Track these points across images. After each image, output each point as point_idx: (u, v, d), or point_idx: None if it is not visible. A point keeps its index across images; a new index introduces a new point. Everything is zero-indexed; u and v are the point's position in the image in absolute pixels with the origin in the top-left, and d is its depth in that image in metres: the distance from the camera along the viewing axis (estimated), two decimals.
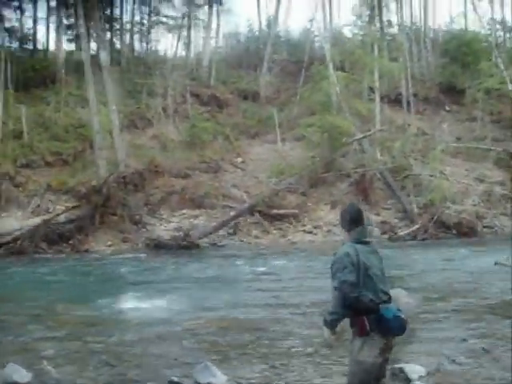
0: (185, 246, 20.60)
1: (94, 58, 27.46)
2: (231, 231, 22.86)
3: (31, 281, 14.46)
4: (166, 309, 10.28)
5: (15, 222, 21.11)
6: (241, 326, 8.80)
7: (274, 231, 23.25)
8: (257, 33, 39.35)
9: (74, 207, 21.96)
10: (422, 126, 30.80)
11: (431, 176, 24.35)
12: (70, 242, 20.97)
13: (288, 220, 23.71)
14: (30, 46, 35.03)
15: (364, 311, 4.22)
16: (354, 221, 4.53)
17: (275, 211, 23.67)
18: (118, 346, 7.52)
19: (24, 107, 26.53)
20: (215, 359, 6.70)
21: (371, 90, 29.43)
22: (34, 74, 29.81)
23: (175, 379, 5.84)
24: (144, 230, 22.57)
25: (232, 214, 23.21)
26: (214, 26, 36.94)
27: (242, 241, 22.49)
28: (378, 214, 23.94)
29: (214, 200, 24.42)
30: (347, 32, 33.20)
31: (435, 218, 22.12)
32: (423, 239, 21.48)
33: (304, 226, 23.53)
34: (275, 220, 23.65)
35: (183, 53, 37.09)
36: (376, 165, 25.34)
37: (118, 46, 36.69)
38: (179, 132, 29.15)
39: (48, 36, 35.87)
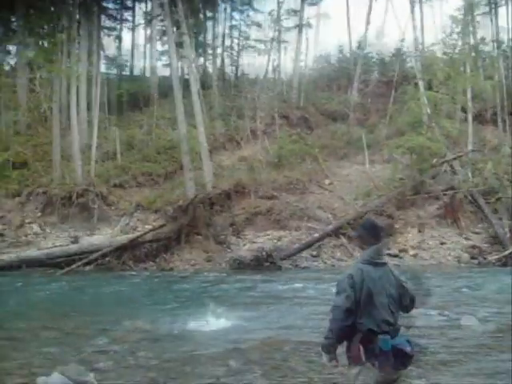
0: (267, 267, 20.61)
1: (187, 83, 28.39)
2: (315, 253, 22.61)
3: (111, 296, 14.96)
4: (231, 327, 10.32)
5: (104, 239, 21.97)
6: (302, 348, 8.67)
7: (359, 254, 22.76)
8: (347, 54, 39.20)
9: (160, 226, 22.51)
10: None
11: None
12: (156, 260, 21.58)
13: None
14: (127, 72, 36.73)
15: (360, 339, 3.97)
16: (368, 238, 4.23)
17: None
18: (170, 363, 7.61)
19: (118, 130, 27.76)
20: (256, 381, 6.66)
21: (464, 109, 28.51)
22: (129, 98, 31.20)
23: None
24: (228, 250, 22.77)
25: (316, 235, 23.02)
26: (303, 48, 37.20)
27: (325, 263, 22.19)
28: (467, 238, 22.97)
29: (299, 221, 24.29)
30: (438, 51, 32.36)
31: None
32: None
33: (389, 249, 22.92)
34: None
35: (273, 75, 37.47)
36: (467, 187, 24.40)
37: (210, 70, 37.71)
38: (267, 153, 29.38)
39: (145, 62, 37.53)
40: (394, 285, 4.17)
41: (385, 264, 4.23)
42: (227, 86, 35.80)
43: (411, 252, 22.56)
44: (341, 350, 4.11)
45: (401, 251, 22.73)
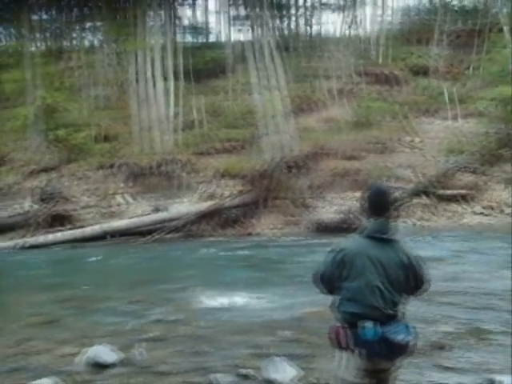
0: (346, 229, 20.28)
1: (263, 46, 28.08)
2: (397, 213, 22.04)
3: (185, 263, 15.20)
4: (293, 294, 10.17)
5: (183, 207, 22.38)
6: None
7: (443, 213, 22.07)
8: (427, 5, 37.27)
9: (239, 192, 22.67)
10: None
11: None
12: (236, 225, 21.77)
13: (459, 201, 22.34)
14: (203, 39, 36.81)
15: (342, 323, 3.50)
16: (372, 208, 3.58)
17: (445, 192, 22.44)
18: (222, 333, 7.54)
19: (196, 97, 27.91)
20: (302, 352, 6.56)
21: None
22: (206, 66, 31.28)
23: (243, 372, 5.81)
24: (308, 212, 22.63)
25: (398, 195, 22.38)
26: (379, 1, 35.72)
27: (414, 225, 21.54)
28: None
29: (385, 181, 23.68)
30: None
31: None
32: None
33: (477, 206, 22.01)
34: (445, 201, 22.43)
35: (350, 32, 36.40)
36: None
37: (288, 31, 37.06)
38: (348, 113, 28.70)
39: (220, 28, 37.45)
40: (397, 265, 3.51)
41: (390, 241, 3.54)
42: (306, 47, 35.10)
43: (500, 209, 21.55)
44: None
45: (489, 208, 21.76)
